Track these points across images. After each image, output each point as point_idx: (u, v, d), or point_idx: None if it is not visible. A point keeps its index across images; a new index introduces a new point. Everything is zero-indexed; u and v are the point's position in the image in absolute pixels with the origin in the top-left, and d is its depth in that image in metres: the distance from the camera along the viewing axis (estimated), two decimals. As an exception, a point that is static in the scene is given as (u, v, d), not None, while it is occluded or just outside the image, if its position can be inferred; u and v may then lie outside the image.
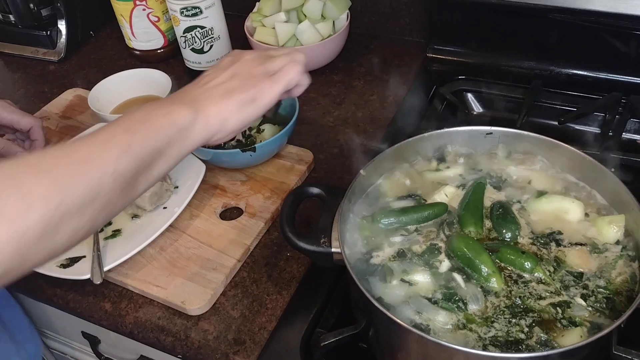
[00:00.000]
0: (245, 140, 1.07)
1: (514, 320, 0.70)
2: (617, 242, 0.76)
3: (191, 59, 1.27)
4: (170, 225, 0.95)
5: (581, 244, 0.76)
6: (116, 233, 0.97)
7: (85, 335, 1.11)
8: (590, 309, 0.70)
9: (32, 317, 1.21)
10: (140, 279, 0.90)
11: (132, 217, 0.99)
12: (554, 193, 0.83)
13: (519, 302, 0.71)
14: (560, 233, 0.78)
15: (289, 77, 0.79)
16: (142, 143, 0.66)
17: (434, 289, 0.74)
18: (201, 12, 1.18)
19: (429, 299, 0.72)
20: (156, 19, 1.34)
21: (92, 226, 0.63)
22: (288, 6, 1.26)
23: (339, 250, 0.75)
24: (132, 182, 0.65)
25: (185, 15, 1.19)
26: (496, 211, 0.81)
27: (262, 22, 1.28)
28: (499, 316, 0.70)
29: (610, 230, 0.76)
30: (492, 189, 0.85)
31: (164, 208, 0.99)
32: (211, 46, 1.24)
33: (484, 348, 0.67)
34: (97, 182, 0.61)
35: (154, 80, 1.22)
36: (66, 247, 0.61)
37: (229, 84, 0.76)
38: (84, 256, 0.93)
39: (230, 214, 1.01)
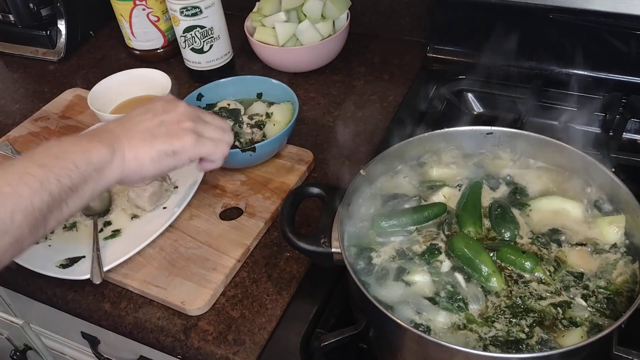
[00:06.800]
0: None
1: (514, 320, 0.69)
2: (618, 243, 0.76)
3: (191, 58, 1.26)
4: (170, 226, 0.95)
5: (582, 244, 0.76)
6: (116, 233, 0.96)
7: (84, 335, 1.11)
8: (590, 309, 0.70)
9: (30, 315, 1.21)
10: (140, 279, 0.90)
11: (132, 217, 0.99)
12: (554, 193, 0.83)
13: (520, 302, 0.71)
14: (560, 233, 0.78)
15: (213, 150, 0.79)
16: (56, 180, 0.65)
17: (434, 289, 0.73)
18: (201, 11, 1.18)
19: (429, 299, 0.72)
20: (156, 18, 1.34)
21: None
22: (288, 6, 1.26)
23: (339, 250, 0.75)
24: (42, 220, 0.65)
25: (185, 15, 1.19)
26: (495, 211, 0.81)
27: (262, 22, 1.28)
28: (500, 316, 0.70)
29: (611, 230, 0.77)
30: (492, 189, 0.85)
31: (164, 208, 0.99)
32: (211, 46, 1.24)
33: (485, 348, 0.67)
34: (7, 218, 0.60)
35: (154, 80, 1.21)
36: None
37: (153, 130, 0.75)
38: (84, 256, 0.92)
39: (230, 214, 1.00)
